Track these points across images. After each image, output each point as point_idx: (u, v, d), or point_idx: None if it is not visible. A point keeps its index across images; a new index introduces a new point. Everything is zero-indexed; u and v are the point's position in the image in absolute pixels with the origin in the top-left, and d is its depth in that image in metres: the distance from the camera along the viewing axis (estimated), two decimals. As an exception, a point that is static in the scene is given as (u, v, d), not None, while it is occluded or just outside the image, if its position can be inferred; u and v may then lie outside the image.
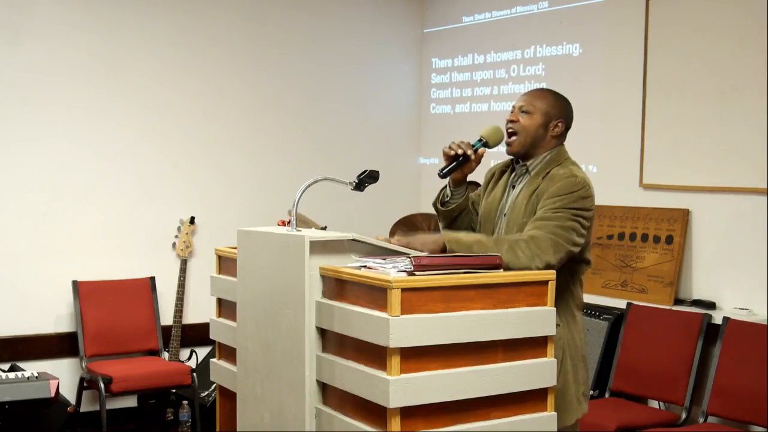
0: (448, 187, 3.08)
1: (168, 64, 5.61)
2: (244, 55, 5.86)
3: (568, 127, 3.04)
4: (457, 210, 3.07)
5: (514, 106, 3.03)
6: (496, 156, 3.40)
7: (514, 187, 3.03)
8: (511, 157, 3.06)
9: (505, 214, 3.00)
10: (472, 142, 2.98)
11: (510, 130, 2.99)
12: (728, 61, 4.54)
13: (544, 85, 5.55)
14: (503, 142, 3.02)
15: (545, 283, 2.60)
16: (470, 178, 3.10)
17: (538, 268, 2.68)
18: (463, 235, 2.83)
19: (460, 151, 2.93)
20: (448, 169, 2.97)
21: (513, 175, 3.06)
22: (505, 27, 5.88)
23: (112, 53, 5.42)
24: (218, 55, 5.77)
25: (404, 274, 2.41)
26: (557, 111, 3.00)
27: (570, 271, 2.90)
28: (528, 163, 3.00)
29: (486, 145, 2.99)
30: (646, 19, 4.90)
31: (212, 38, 5.74)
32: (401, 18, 6.48)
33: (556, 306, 2.67)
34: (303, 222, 2.92)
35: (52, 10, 5.23)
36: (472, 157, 2.95)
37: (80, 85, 5.33)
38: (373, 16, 6.37)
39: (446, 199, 3.09)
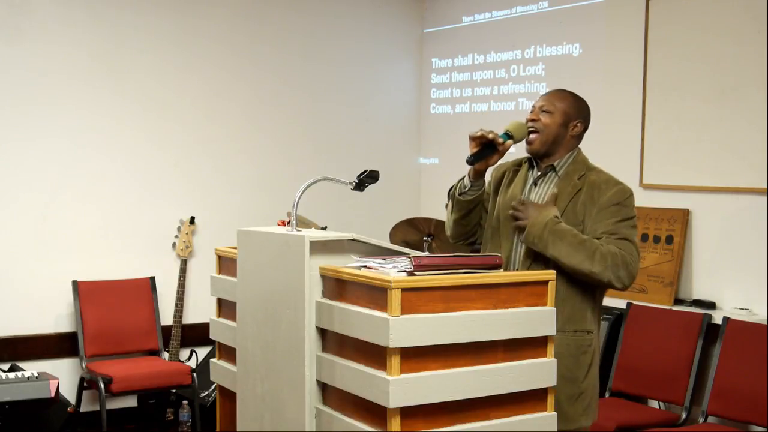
0: (467, 177, 3.08)
1: (168, 63, 5.61)
2: (244, 55, 5.86)
3: (586, 128, 3.10)
4: (474, 202, 3.09)
5: (534, 106, 3.08)
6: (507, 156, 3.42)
7: (536, 184, 3.06)
8: (529, 155, 3.10)
9: None
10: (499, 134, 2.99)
11: (531, 129, 3.03)
12: (728, 61, 4.54)
13: (544, 86, 5.56)
14: (524, 140, 3.05)
15: (545, 283, 2.60)
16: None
17: (611, 284, 2.85)
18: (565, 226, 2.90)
19: (491, 136, 2.94)
20: (477, 154, 2.96)
21: (534, 172, 3.08)
22: (505, 27, 5.87)
23: (112, 53, 5.42)
24: (218, 55, 5.77)
25: (404, 274, 2.41)
26: (576, 111, 3.06)
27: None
28: (554, 164, 3.04)
29: (511, 138, 2.99)
30: (646, 19, 4.90)
31: (212, 38, 5.74)
32: (401, 18, 6.48)
33: (589, 314, 2.91)
34: (303, 224, 2.92)
35: (52, 9, 5.23)
36: (500, 147, 2.96)
37: (80, 84, 5.33)
38: (373, 16, 6.37)
39: (464, 190, 3.09)
